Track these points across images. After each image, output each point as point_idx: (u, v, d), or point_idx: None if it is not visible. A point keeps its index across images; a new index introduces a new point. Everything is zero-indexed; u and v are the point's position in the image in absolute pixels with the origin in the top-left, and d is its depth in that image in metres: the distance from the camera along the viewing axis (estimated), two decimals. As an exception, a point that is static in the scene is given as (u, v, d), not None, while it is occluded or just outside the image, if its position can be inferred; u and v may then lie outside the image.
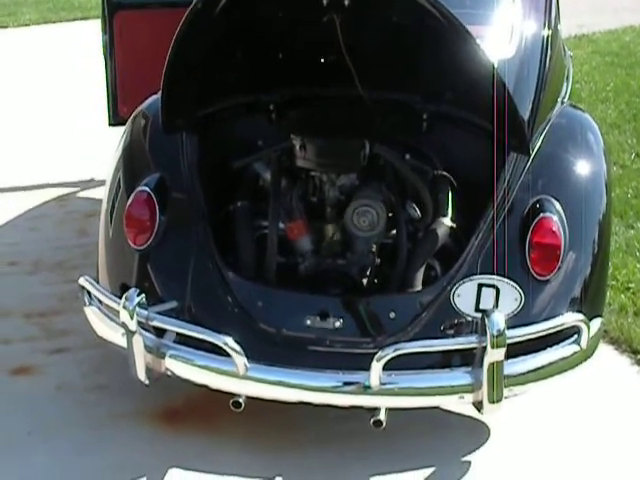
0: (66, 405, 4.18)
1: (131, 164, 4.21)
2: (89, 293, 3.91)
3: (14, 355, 4.60)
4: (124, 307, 3.51)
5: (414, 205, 4.05)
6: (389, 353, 3.33)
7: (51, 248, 5.98)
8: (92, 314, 3.92)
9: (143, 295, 3.55)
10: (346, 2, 3.57)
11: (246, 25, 3.83)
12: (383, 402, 3.44)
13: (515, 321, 3.49)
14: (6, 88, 10.87)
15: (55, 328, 4.87)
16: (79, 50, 12.63)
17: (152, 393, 4.00)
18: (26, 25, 15.95)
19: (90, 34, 11.79)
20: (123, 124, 4.85)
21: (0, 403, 4.21)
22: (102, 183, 6.71)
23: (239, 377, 3.44)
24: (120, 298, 3.60)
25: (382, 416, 3.42)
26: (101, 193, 4.44)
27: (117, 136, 4.54)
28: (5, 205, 6.77)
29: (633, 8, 16.70)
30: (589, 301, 3.74)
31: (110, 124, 6.36)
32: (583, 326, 3.57)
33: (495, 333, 3.32)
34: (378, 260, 3.96)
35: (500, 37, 4.19)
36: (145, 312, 3.53)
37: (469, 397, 3.46)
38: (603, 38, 13.68)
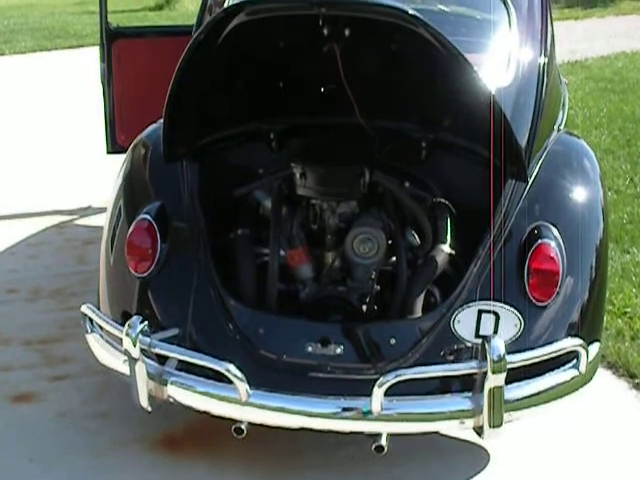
0: (67, 432, 4.18)
1: (132, 192, 4.23)
2: (91, 320, 3.92)
3: (15, 382, 4.61)
4: (127, 334, 3.52)
5: (413, 232, 4.09)
6: (390, 379, 3.34)
7: (50, 275, 5.99)
8: (94, 341, 3.93)
9: (146, 322, 3.56)
10: (346, 32, 3.62)
11: (247, 55, 3.87)
12: (384, 428, 3.45)
13: (515, 346, 3.51)
14: (2, 115, 10.90)
15: (55, 355, 4.87)
16: (75, 77, 12.70)
17: (153, 420, 4.01)
18: (22, 52, 16.07)
19: (85, 61, 11.88)
20: (121, 152, 4.88)
21: (1, 430, 4.21)
22: (100, 211, 6.80)
23: (241, 404, 3.44)
24: (121, 325, 3.62)
25: (383, 441, 3.43)
26: (99, 221, 4.46)
27: (114, 164, 4.55)
28: (4, 232, 6.79)
29: (625, 34, 16.82)
30: (587, 326, 3.76)
31: (108, 152, 6.40)
32: (582, 351, 3.59)
33: (495, 359, 3.34)
34: (378, 287, 4.00)
35: (497, 65, 4.24)
36: (148, 339, 3.53)
37: (470, 422, 3.47)
38: (596, 64, 13.78)
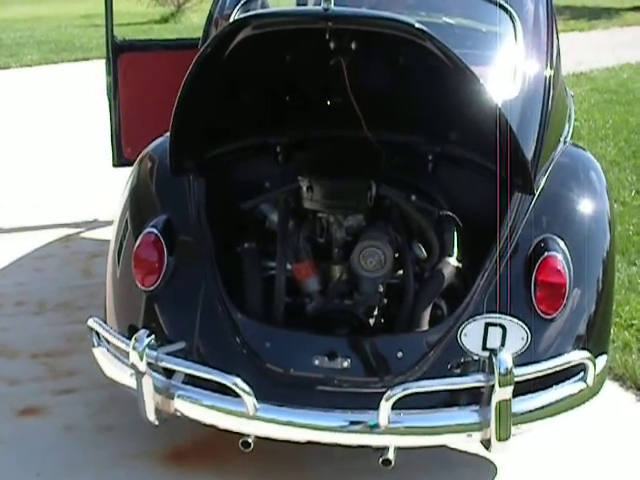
0: (74, 446, 4.18)
1: (138, 206, 4.24)
2: (98, 334, 3.91)
3: (21, 396, 4.61)
4: (134, 348, 3.52)
5: (420, 245, 4.08)
6: (398, 392, 3.34)
7: (56, 289, 6.00)
8: (101, 355, 3.93)
9: (153, 336, 3.56)
10: (353, 46, 3.62)
11: (254, 68, 3.87)
12: (392, 441, 3.44)
13: (522, 359, 3.50)
14: (8, 128, 10.94)
15: (62, 369, 4.87)
16: (80, 90, 12.75)
17: (160, 433, 4.01)
18: (28, 65, 16.19)
19: (91, 74, 11.92)
20: (127, 165, 4.85)
21: (8, 444, 4.21)
22: (105, 224, 6.81)
23: (248, 417, 3.44)
24: (128, 339, 3.62)
25: (391, 455, 3.42)
26: (105, 234, 4.46)
27: (119, 177, 4.55)
28: (10, 246, 6.80)
29: (630, 45, 16.86)
30: (594, 338, 3.76)
31: (114, 165, 6.40)
32: (589, 363, 3.58)
33: (503, 372, 3.33)
34: (385, 300, 3.99)
35: (503, 78, 4.24)
36: (154, 353, 3.53)
37: (477, 435, 3.46)
38: (601, 76, 13.82)
